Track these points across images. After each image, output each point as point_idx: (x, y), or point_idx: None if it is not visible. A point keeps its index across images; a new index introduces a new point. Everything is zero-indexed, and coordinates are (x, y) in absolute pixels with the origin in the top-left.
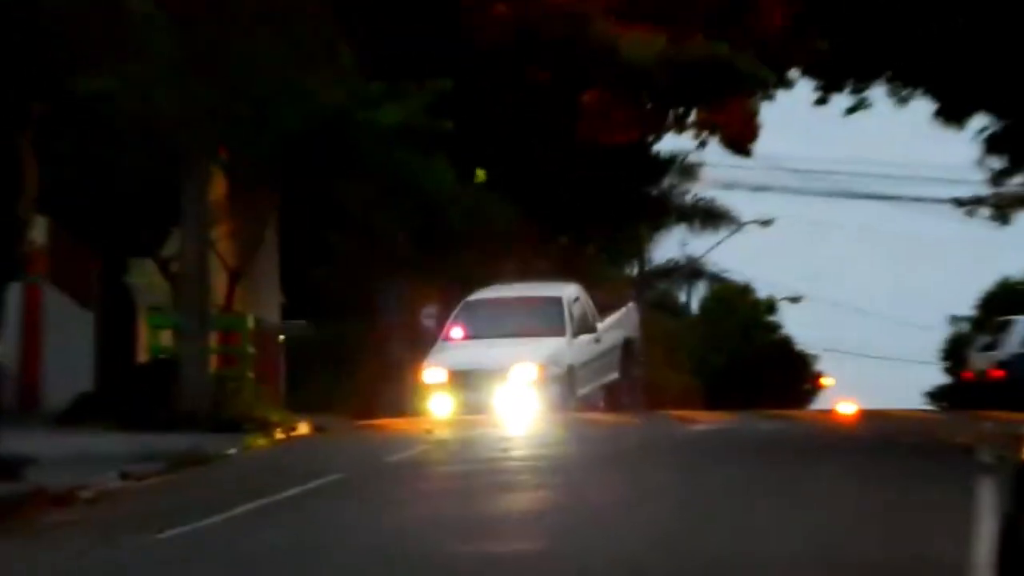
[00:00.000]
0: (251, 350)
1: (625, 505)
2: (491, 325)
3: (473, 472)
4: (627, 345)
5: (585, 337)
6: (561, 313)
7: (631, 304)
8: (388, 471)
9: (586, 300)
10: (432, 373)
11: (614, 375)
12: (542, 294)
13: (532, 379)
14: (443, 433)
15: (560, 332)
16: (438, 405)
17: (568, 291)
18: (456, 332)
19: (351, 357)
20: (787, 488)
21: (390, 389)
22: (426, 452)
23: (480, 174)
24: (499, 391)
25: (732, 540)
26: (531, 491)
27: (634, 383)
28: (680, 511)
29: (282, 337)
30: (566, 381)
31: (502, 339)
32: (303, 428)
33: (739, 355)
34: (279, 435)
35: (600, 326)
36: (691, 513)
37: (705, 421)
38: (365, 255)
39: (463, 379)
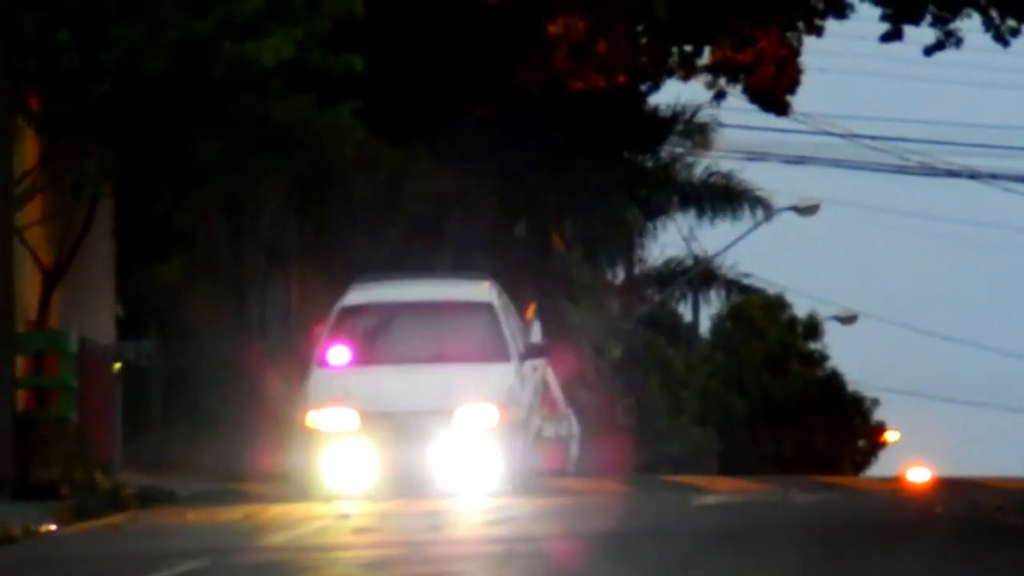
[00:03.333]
0: (74, 382)
1: None
2: (395, 343)
3: (396, 561)
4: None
5: (530, 363)
6: (497, 326)
7: (533, 311)
8: (264, 562)
9: (509, 304)
10: (331, 416)
11: (564, 421)
12: (461, 296)
13: (490, 426)
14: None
15: (502, 355)
16: (343, 464)
17: (490, 291)
18: (338, 353)
19: (213, 392)
20: None
21: (270, 437)
22: (321, 531)
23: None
24: (441, 444)
25: None
26: None
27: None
28: None
29: (118, 364)
30: (525, 429)
31: (421, 366)
32: (146, 493)
33: (768, 397)
34: (112, 506)
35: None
36: None
37: (722, 491)
38: (234, 246)
39: (387, 425)
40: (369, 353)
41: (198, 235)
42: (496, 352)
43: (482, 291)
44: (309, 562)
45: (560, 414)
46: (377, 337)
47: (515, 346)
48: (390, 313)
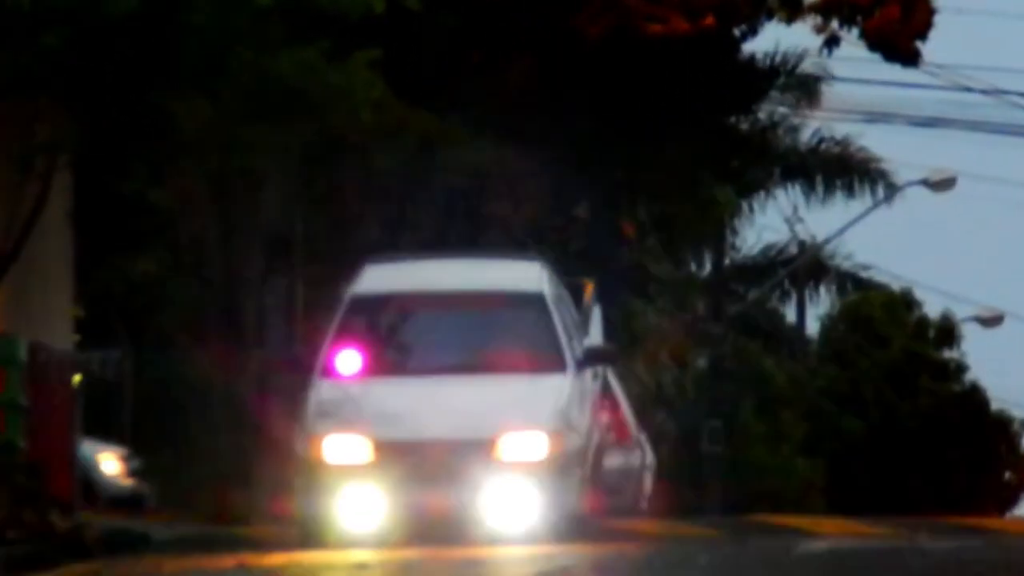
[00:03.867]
0: (23, 400)
1: None
2: (419, 347)
3: None
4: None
5: (590, 372)
6: (550, 324)
7: (591, 294)
8: None
9: (564, 294)
10: (339, 445)
11: (637, 449)
12: (504, 284)
13: (540, 458)
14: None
15: (556, 364)
16: (354, 505)
17: (541, 277)
18: (348, 359)
19: (197, 413)
20: None
21: (269, 470)
22: None
23: None
24: (479, 482)
25: None
26: None
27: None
28: None
29: (78, 378)
30: (584, 459)
31: (451, 378)
32: (114, 537)
33: (891, 418)
34: (71, 553)
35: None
36: None
37: (831, 535)
38: (224, 234)
39: (407, 458)
40: (384, 360)
41: (179, 220)
42: (548, 360)
43: (531, 277)
44: None
45: (631, 440)
46: (396, 337)
47: (571, 350)
48: (413, 305)
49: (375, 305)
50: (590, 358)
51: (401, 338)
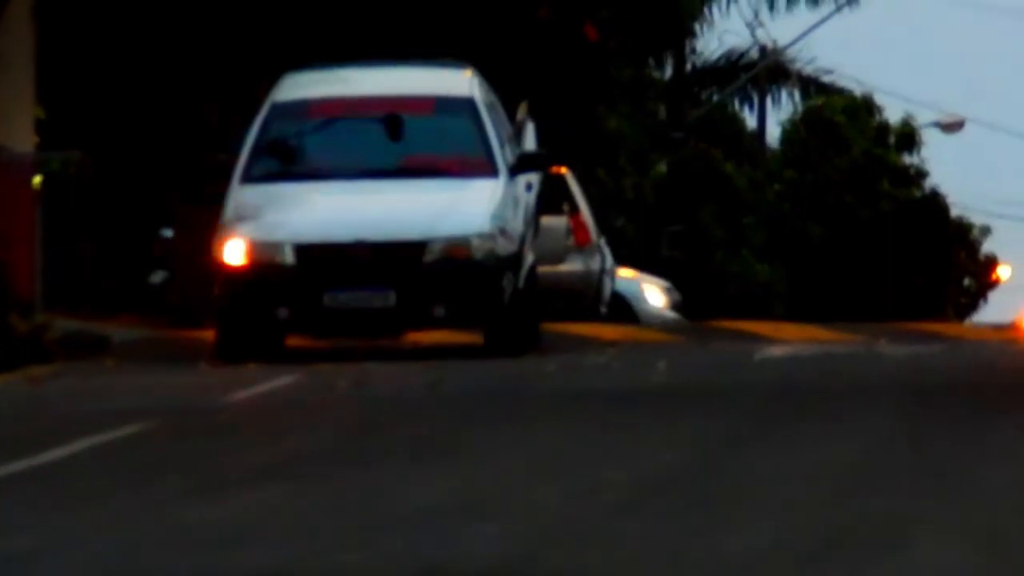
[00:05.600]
0: None
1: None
2: (344, 152)
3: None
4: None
5: (523, 179)
6: (482, 128)
7: (525, 110)
8: (227, 422)
9: (496, 102)
10: (257, 249)
11: (596, 254)
12: (431, 89)
13: (471, 262)
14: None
15: (488, 168)
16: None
17: (471, 83)
18: (268, 163)
19: (163, 211)
20: (955, 481)
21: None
22: (297, 386)
23: None
24: (407, 286)
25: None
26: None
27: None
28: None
29: (38, 179)
30: (517, 266)
31: (378, 182)
32: (74, 339)
33: (851, 224)
34: (31, 355)
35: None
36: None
37: (791, 340)
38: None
39: (329, 261)
40: (306, 164)
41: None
42: (476, 163)
43: (460, 82)
44: (284, 422)
45: (592, 244)
46: (320, 144)
47: (503, 156)
48: (337, 111)
49: (296, 111)
50: (523, 164)
51: (323, 142)
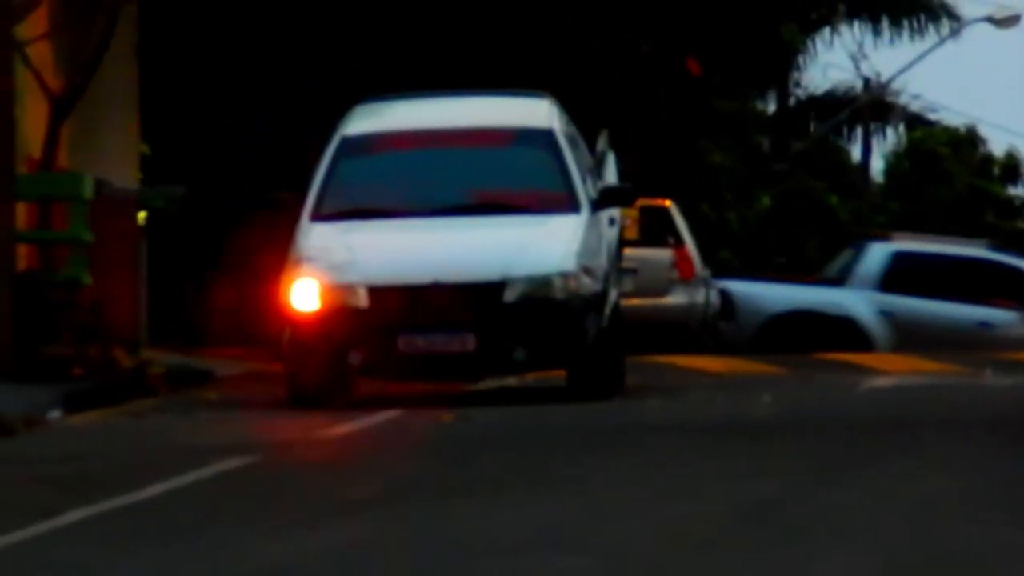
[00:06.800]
0: (88, 236)
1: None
2: (415, 186)
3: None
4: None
5: (606, 214)
6: (562, 161)
7: (605, 140)
8: (327, 459)
9: (577, 134)
10: (329, 290)
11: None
12: (508, 121)
13: (553, 302)
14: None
15: (569, 203)
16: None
17: (550, 113)
18: (334, 199)
19: (274, 249)
20: None
21: None
22: (396, 422)
23: None
24: (483, 330)
25: None
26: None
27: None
28: None
29: (143, 214)
30: (602, 304)
31: (451, 218)
32: (178, 373)
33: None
34: (135, 389)
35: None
36: None
37: (896, 372)
38: (307, 47)
39: (404, 303)
40: (381, 201)
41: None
42: (559, 199)
43: (539, 113)
44: (382, 459)
45: (696, 278)
46: (391, 179)
47: (585, 190)
48: (408, 144)
49: (365, 145)
50: (606, 198)
51: (395, 177)
